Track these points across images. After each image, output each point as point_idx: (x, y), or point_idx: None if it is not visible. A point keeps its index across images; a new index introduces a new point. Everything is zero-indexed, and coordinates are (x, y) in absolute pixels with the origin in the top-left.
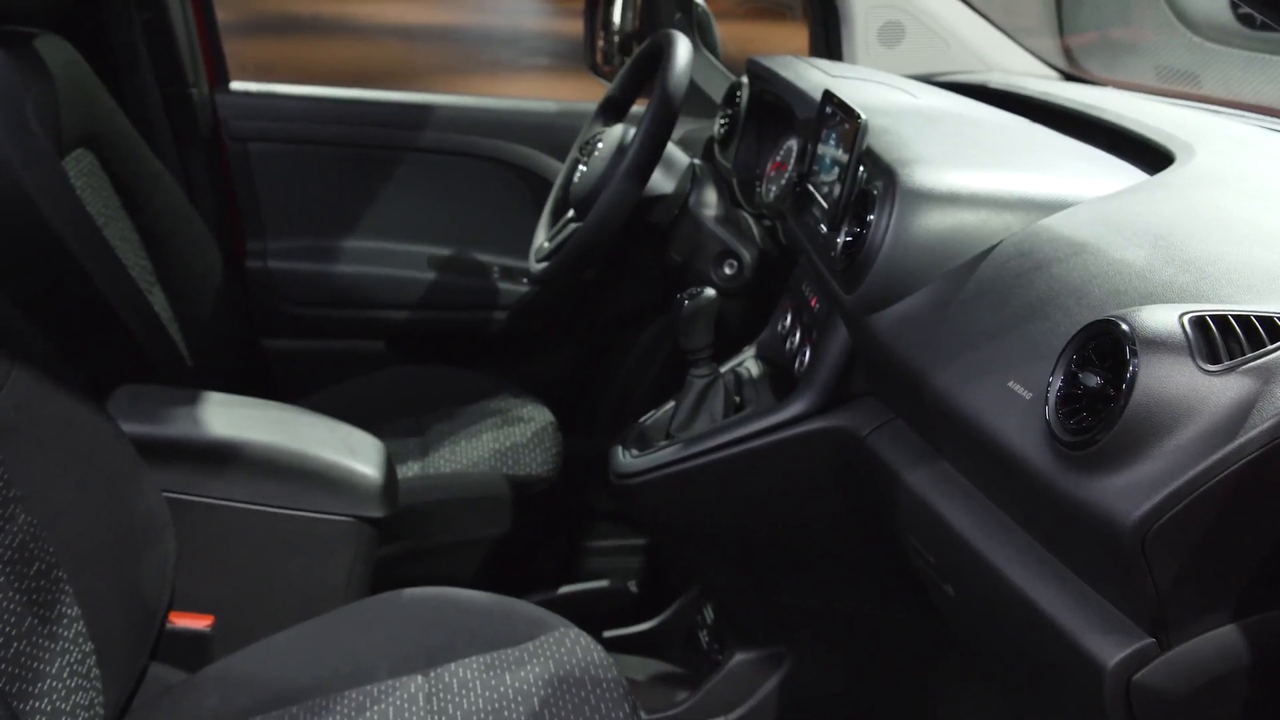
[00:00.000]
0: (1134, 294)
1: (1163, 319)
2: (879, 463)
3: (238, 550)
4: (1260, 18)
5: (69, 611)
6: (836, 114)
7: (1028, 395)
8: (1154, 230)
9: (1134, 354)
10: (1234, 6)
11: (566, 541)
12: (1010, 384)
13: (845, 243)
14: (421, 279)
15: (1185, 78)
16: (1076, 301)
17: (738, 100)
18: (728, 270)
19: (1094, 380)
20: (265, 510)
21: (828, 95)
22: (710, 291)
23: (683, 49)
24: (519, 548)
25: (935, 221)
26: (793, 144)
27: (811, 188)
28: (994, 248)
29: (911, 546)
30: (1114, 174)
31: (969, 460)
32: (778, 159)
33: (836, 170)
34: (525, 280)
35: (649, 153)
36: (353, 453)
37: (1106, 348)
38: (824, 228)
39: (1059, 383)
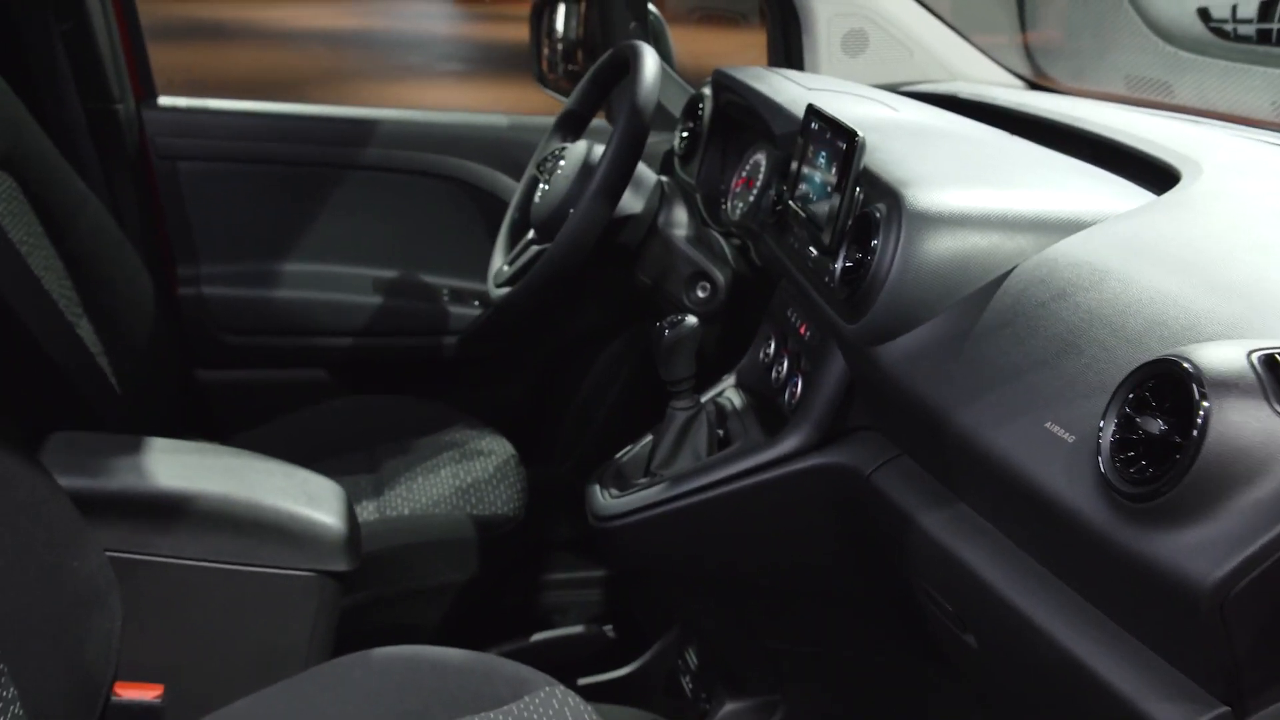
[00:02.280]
0: (1175, 325)
1: (1230, 357)
2: (886, 502)
3: (189, 612)
4: (1234, 29)
5: (4, 693)
6: (825, 131)
7: (1070, 438)
8: (1182, 254)
9: (1204, 397)
10: (1205, 18)
11: (535, 579)
12: (1048, 425)
13: (845, 269)
14: (366, 304)
15: (1157, 87)
16: (1112, 334)
17: (700, 113)
18: (700, 293)
19: (1156, 426)
20: (218, 567)
21: (813, 111)
22: (692, 319)
23: (650, 62)
24: (487, 591)
25: (945, 246)
26: (760, 158)
27: (795, 207)
28: (1009, 274)
29: (924, 592)
30: (1121, 192)
31: (999, 506)
32: (744, 174)
33: (825, 190)
34: (476, 304)
35: (620, 172)
36: (312, 501)
37: (1165, 389)
38: (814, 251)
39: (1113, 427)
